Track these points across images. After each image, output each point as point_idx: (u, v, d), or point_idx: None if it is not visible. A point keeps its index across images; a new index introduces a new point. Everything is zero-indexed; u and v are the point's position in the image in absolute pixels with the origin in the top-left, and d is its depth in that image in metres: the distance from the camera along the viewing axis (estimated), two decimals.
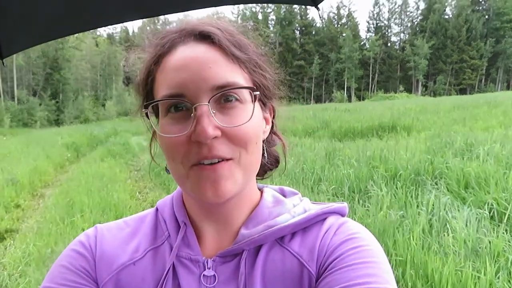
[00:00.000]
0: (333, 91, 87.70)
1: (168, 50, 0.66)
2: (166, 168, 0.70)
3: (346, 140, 12.62)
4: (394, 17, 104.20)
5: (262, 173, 0.79)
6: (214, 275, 0.67)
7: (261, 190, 0.77)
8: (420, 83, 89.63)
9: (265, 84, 0.70)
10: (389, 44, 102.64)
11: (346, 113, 20.78)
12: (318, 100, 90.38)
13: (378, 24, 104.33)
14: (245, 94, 0.64)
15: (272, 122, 0.77)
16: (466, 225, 4.20)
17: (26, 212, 7.34)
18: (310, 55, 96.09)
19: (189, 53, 0.64)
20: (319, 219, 0.70)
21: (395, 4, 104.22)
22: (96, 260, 0.70)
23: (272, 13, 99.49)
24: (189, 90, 0.61)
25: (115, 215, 6.08)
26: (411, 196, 5.17)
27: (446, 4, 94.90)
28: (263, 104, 0.72)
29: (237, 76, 0.64)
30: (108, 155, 13.63)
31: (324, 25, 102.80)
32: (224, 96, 0.62)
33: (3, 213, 6.96)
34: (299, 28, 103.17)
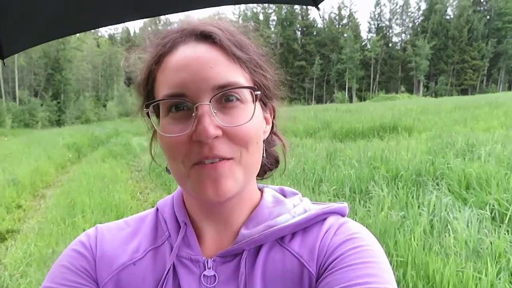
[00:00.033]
0: (334, 91, 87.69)
1: (169, 50, 0.66)
2: (166, 168, 0.70)
3: (347, 140, 12.60)
4: (395, 17, 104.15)
5: (262, 173, 0.79)
6: (214, 275, 0.67)
7: (261, 190, 0.77)
8: (421, 84, 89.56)
9: (265, 84, 0.70)
10: (390, 45, 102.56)
11: (347, 114, 20.75)
12: (319, 100, 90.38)
13: (380, 25, 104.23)
14: (246, 94, 0.64)
15: (272, 123, 0.77)
16: (468, 225, 4.19)
17: (27, 213, 7.35)
18: (311, 55, 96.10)
19: (190, 53, 0.64)
20: (319, 219, 0.70)
21: (397, 4, 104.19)
22: (96, 260, 0.70)
23: (273, 13, 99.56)
24: (190, 90, 0.61)
25: (116, 216, 6.08)
26: (412, 197, 5.16)
27: (447, 4, 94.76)
28: (264, 104, 0.72)
29: (238, 76, 0.64)
30: (109, 155, 13.64)
31: (325, 26, 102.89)
32: (225, 96, 0.62)
33: (5, 213, 6.97)
34: (300, 29, 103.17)
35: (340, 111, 22.94)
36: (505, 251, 3.68)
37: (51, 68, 61.68)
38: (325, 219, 0.71)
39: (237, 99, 0.63)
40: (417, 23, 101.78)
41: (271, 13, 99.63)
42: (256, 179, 0.76)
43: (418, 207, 4.83)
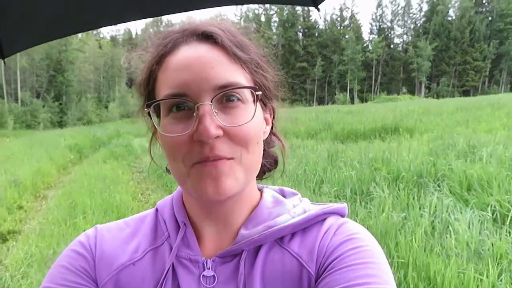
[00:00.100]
0: (336, 93, 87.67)
1: (171, 50, 0.66)
2: (166, 168, 0.70)
3: (348, 142, 12.61)
4: (397, 19, 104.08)
5: (261, 173, 0.79)
6: (213, 276, 0.67)
7: (261, 191, 0.77)
8: (423, 85, 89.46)
9: (266, 85, 0.70)
10: (392, 46, 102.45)
11: (348, 115, 20.72)
12: (320, 102, 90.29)
13: (381, 26, 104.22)
14: (247, 94, 0.65)
15: (272, 123, 0.77)
16: (469, 227, 4.19)
17: (29, 214, 7.36)
18: (313, 57, 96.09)
19: (191, 53, 0.64)
20: (319, 219, 0.70)
21: (398, 6, 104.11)
22: (95, 261, 0.70)
23: (275, 15, 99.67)
24: (192, 90, 0.61)
25: (117, 217, 6.08)
26: (413, 198, 5.16)
27: (449, 5, 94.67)
28: (264, 105, 0.72)
29: (239, 76, 0.64)
30: (110, 157, 13.67)
31: (327, 27, 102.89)
32: (226, 96, 0.62)
33: (6, 214, 6.98)
34: (302, 30, 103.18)
35: (342, 113, 22.92)
36: (506, 252, 3.67)
37: (53, 69, 61.86)
38: (324, 219, 0.70)
39: (238, 99, 0.63)
40: (418, 24, 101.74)
41: (272, 14, 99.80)
42: (256, 179, 0.76)
43: (419, 208, 4.82)
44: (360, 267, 0.59)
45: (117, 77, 75.29)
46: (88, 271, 0.69)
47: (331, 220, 0.70)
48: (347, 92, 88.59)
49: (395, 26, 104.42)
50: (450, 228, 4.21)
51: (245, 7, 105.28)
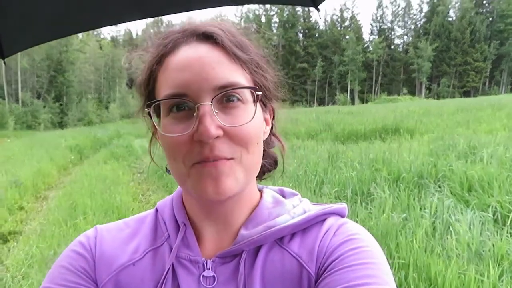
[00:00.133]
0: (336, 93, 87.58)
1: (171, 50, 0.66)
2: (166, 168, 0.70)
3: (349, 142, 12.60)
4: (397, 19, 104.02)
5: (261, 174, 0.79)
6: (213, 276, 0.67)
7: (260, 191, 0.77)
8: (423, 86, 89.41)
9: (266, 85, 0.70)
10: (392, 47, 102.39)
11: (349, 116, 20.72)
12: (321, 102, 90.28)
13: (382, 27, 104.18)
14: (247, 94, 0.65)
15: (272, 124, 0.77)
16: (470, 228, 4.18)
17: (29, 214, 7.37)
18: (313, 57, 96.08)
19: (191, 53, 0.64)
20: (319, 220, 0.70)
21: (399, 6, 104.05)
22: (95, 261, 0.70)
23: (275, 15, 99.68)
24: (192, 90, 0.61)
25: (117, 218, 6.08)
26: (414, 199, 5.16)
27: (449, 6, 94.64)
28: (264, 105, 0.72)
29: (239, 77, 0.64)
30: (111, 157, 13.68)
31: (327, 28, 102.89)
32: (226, 96, 0.63)
33: (7, 215, 6.98)
34: (302, 31, 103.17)
35: (342, 113, 22.91)
36: (507, 253, 3.67)
37: (53, 70, 61.96)
38: (324, 220, 0.70)
39: (238, 99, 0.63)
40: (419, 25, 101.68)
41: (273, 15, 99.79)
42: (256, 180, 0.76)
43: (420, 209, 4.82)
44: (360, 268, 0.59)
45: (118, 77, 75.31)
46: (88, 271, 0.69)
47: (331, 221, 0.70)
48: (347, 92, 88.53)
49: (396, 27, 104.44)
50: (451, 229, 4.20)
51: (245, 7, 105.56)
